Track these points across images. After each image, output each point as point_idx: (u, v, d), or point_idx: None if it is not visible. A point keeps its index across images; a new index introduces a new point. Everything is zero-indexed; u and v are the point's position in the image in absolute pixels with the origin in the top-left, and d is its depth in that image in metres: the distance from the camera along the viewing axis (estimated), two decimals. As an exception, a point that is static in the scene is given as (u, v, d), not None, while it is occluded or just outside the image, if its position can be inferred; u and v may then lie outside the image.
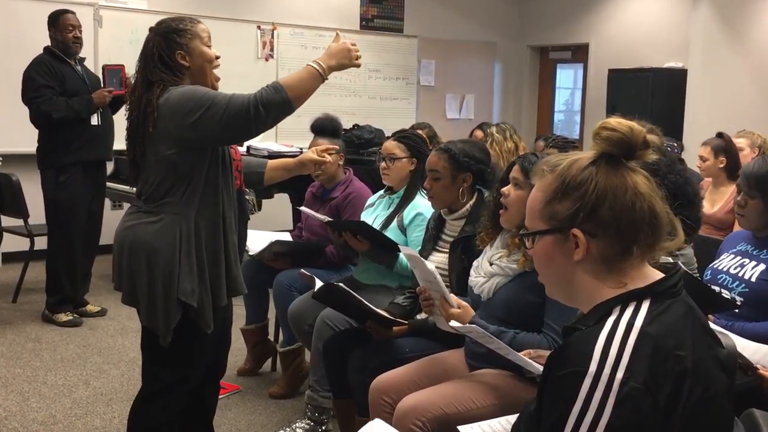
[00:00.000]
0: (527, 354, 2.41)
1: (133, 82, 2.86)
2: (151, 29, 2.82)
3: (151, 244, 2.71)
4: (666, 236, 1.50)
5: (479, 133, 5.88)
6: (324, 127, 4.29)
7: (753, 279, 2.80)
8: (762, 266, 2.80)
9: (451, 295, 2.67)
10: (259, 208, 6.08)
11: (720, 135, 4.89)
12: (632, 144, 1.49)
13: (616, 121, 1.50)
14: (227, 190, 2.81)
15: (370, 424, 2.03)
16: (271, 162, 3.31)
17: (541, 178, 1.54)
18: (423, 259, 2.69)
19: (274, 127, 8.57)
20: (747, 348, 2.43)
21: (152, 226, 2.72)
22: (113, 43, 7.20)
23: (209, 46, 2.82)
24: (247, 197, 3.00)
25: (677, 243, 1.54)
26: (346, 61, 2.89)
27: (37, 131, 5.39)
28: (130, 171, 2.83)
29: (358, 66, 2.95)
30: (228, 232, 2.81)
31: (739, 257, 2.93)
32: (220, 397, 3.99)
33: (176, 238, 2.70)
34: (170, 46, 2.74)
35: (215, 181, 2.76)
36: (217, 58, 2.84)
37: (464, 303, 2.66)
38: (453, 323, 2.56)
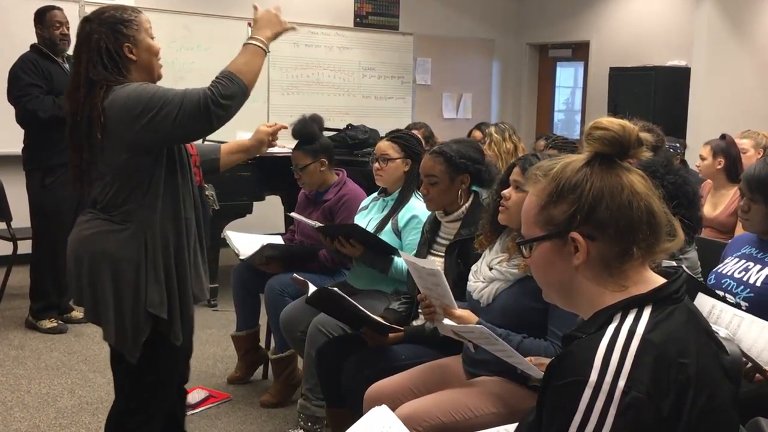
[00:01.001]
0: (536, 362, 2.38)
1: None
2: (89, 19, 2.63)
3: (115, 254, 2.57)
4: (666, 236, 1.48)
5: (478, 134, 5.84)
6: (298, 136, 4.19)
7: (758, 283, 2.76)
8: (767, 270, 2.76)
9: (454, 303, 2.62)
10: (251, 211, 6.02)
11: (723, 137, 4.84)
12: (625, 142, 1.48)
13: (608, 120, 1.49)
14: (187, 188, 2.69)
15: (376, 409, 2.06)
16: (225, 146, 3.17)
17: (535, 184, 1.53)
18: (423, 264, 2.64)
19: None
20: (754, 347, 2.39)
21: (115, 236, 2.58)
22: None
23: (153, 38, 2.68)
24: (207, 192, 2.84)
25: (677, 243, 1.51)
26: (278, 27, 2.77)
27: (23, 131, 5.31)
28: (73, 179, 2.64)
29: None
30: (189, 233, 2.69)
31: (743, 261, 2.89)
32: (209, 406, 4.00)
33: (142, 246, 2.57)
34: (117, 39, 2.58)
35: (174, 182, 2.63)
36: (159, 49, 2.71)
37: (466, 311, 2.61)
38: (454, 324, 2.51)
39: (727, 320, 2.45)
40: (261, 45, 2.70)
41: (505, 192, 2.66)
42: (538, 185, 1.51)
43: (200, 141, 3.33)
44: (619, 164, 1.48)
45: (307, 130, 4.19)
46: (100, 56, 2.55)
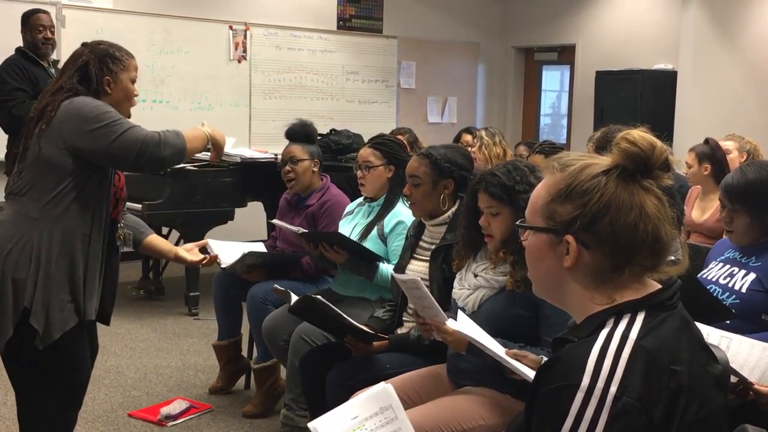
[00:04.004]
0: (513, 354, 2.34)
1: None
2: (86, 45, 2.87)
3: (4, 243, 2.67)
4: (668, 261, 1.47)
5: (468, 137, 5.82)
6: (297, 133, 4.26)
7: (743, 290, 2.75)
8: (752, 275, 2.76)
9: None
10: (232, 217, 5.95)
11: (707, 141, 4.81)
12: (650, 162, 1.45)
13: (640, 135, 1.46)
14: (99, 211, 2.78)
15: (381, 385, 2.22)
16: (153, 237, 3.22)
17: (551, 175, 1.51)
18: (403, 278, 2.65)
19: (247, 132, 8.47)
20: (745, 366, 2.36)
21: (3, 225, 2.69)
22: (77, 43, 6.94)
23: (134, 82, 2.88)
24: (119, 232, 2.99)
25: (680, 270, 1.50)
26: (223, 145, 3.06)
27: (6, 136, 5.25)
28: (6, 164, 2.86)
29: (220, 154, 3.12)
30: (91, 254, 2.76)
31: (727, 266, 2.89)
32: (190, 416, 3.94)
33: (28, 242, 2.65)
34: (102, 69, 2.78)
35: (87, 200, 2.73)
36: (136, 95, 2.91)
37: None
38: (455, 325, 2.46)
39: (714, 342, 2.41)
40: (208, 134, 2.94)
41: (482, 222, 2.64)
42: (553, 177, 1.50)
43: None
44: (638, 182, 1.45)
45: (307, 130, 4.29)
46: (80, 73, 2.76)
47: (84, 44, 2.89)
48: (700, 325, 2.42)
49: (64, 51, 6.92)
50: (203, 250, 3.30)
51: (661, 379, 1.33)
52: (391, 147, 3.71)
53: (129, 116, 2.87)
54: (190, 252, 3.19)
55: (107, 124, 2.65)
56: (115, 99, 2.81)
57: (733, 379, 2.28)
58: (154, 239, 3.16)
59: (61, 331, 2.68)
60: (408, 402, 2.62)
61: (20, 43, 5.32)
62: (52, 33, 5.29)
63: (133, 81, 2.87)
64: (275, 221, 4.02)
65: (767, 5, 8.33)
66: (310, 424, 2.24)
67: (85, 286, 2.75)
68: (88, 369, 2.93)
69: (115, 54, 2.82)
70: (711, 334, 2.43)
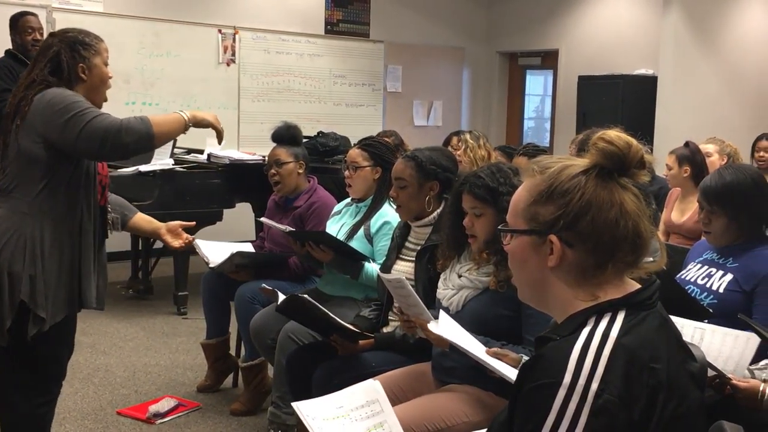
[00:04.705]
0: (493, 353, 2.37)
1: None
2: (54, 35, 2.86)
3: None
4: (647, 257, 1.49)
5: (456, 141, 5.84)
6: (282, 136, 4.28)
7: (721, 290, 2.78)
8: (729, 276, 2.79)
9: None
10: (221, 218, 5.98)
11: (687, 144, 4.88)
12: (626, 160, 1.47)
13: (616, 135, 1.48)
14: (87, 201, 2.81)
15: (369, 380, 2.23)
16: (140, 215, 3.23)
17: (530, 177, 1.52)
18: (388, 277, 2.66)
19: (236, 135, 8.47)
20: (720, 357, 2.41)
21: None
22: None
23: (107, 65, 2.86)
24: (110, 216, 3.01)
25: (659, 266, 1.53)
26: (213, 120, 3.00)
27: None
28: None
29: (221, 132, 3.05)
30: (84, 243, 2.79)
31: (705, 267, 2.91)
32: (178, 414, 3.96)
33: (21, 237, 2.67)
34: (74, 57, 2.76)
35: (75, 190, 2.76)
36: (110, 77, 2.89)
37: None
38: (436, 328, 2.49)
39: (689, 335, 2.46)
40: (185, 116, 2.87)
41: (466, 222, 2.66)
42: (533, 180, 1.51)
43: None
44: (616, 180, 1.47)
45: (292, 132, 4.28)
46: (52, 65, 2.75)
47: (52, 34, 2.88)
48: (675, 318, 2.52)
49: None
50: (188, 231, 3.28)
51: (641, 376, 1.35)
52: (378, 149, 3.72)
53: (106, 99, 2.88)
54: (174, 232, 3.19)
55: (74, 115, 2.64)
56: (91, 84, 2.80)
57: (711, 373, 2.31)
58: (138, 220, 3.17)
59: (52, 322, 2.71)
60: (393, 399, 2.59)
61: (9, 45, 5.32)
62: (41, 35, 5.30)
63: (106, 64, 2.85)
64: (263, 219, 4.03)
65: (746, 12, 8.41)
66: (294, 404, 2.26)
67: (81, 276, 2.78)
68: (65, 363, 2.95)
69: (85, 40, 2.80)
70: (685, 326, 2.47)
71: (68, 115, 2.64)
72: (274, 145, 4.27)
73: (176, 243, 3.18)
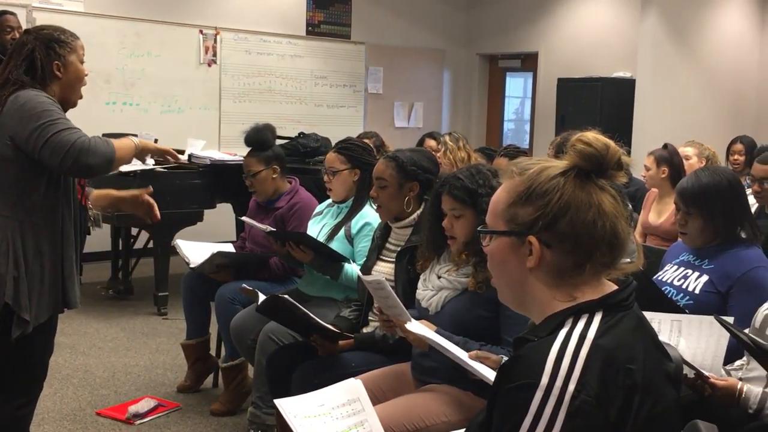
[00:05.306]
0: (476, 356, 2.38)
1: None
2: (29, 32, 2.84)
3: None
4: (625, 258, 1.50)
5: (432, 142, 5.86)
6: (251, 142, 4.23)
7: (697, 291, 2.80)
8: (705, 277, 2.81)
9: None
10: (201, 219, 5.98)
11: (665, 146, 4.93)
12: (604, 162, 1.48)
13: (594, 137, 1.49)
14: (68, 200, 2.80)
15: (350, 380, 2.24)
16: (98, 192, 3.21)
17: (509, 179, 1.53)
18: (368, 278, 2.66)
19: (217, 135, 8.43)
20: (698, 348, 2.44)
21: None
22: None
23: (83, 62, 2.85)
24: (91, 212, 3.02)
25: (636, 267, 1.54)
26: (155, 149, 3.11)
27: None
28: None
29: (169, 150, 3.13)
30: (66, 244, 2.79)
31: (682, 268, 2.94)
32: (158, 415, 3.96)
33: (4, 239, 2.66)
34: (49, 55, 2.74)
35: (55, 191, 2.74)
36: (86, 75, 2.88)
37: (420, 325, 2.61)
38: (414, 327, 2.51)
39: (668, 329, 2.48)
40: (137, 144, 2.92)
41: (445, 224, 2.67)
42: (512, 182, 1.52)
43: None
44: (594, 181, 1.48)
45: (260, 136, 4.22)
46: (26, 63, 2.72)
47: (27, 31, 2.85)
48: (650, 314, 2.54)
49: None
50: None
51: (617, 377, 1.36)
52: (355, 151, 3.71)
53: (81, 96, 2.88)
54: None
55: (43, 124, 2.61)
56: (67, 82, 2.78)
57: (691, 372, 2.34)
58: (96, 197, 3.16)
59: (35, 324, 2.71)
60: (373, 399, 2.59)
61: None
62: (20, 34, 5.28)
63: (82, 61, 2.83)
64: (245, 219, 4.02)
65: (723, 16, 8.50)
66: (276, 401, 2.25)
67: (64, 277, 2.78)
68: (46, 365, 2.94)
69: (60, 37, 2.78)
70: (663, 321, 2.49)
71: (38, 122, 2.61)
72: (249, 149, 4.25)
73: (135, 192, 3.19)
